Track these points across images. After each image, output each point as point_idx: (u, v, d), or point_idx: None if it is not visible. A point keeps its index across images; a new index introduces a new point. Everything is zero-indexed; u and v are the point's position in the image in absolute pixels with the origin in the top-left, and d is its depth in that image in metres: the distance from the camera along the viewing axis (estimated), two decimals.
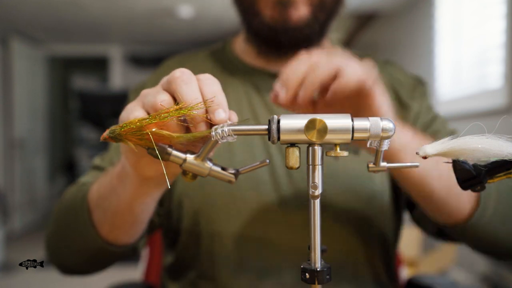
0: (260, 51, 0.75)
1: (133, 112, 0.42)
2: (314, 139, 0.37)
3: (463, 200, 0.58)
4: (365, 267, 0.70)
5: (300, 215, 0.67)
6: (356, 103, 0.55)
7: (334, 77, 0.52)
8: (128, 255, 0.67)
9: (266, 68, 0.75)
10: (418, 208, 0.70)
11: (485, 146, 0.35)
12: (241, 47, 0.79)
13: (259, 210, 0.67)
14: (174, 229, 0.74)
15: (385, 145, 0.38)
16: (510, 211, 0.62)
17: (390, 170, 0.59)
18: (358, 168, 0.68)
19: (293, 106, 0.53)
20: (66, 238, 0.64)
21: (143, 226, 0.61)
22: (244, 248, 0.67)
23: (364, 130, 0.37)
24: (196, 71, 0.77)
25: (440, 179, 0.56)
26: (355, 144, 0.62)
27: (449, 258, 2.50)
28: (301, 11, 0.68)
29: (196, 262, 0.71)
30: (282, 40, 0.70)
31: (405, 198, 0.74)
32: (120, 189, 0.53)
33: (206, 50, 0.84)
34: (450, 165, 0.50)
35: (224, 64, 0.78)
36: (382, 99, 0.55)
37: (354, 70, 0.52)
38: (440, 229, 0.68)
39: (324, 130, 0.36)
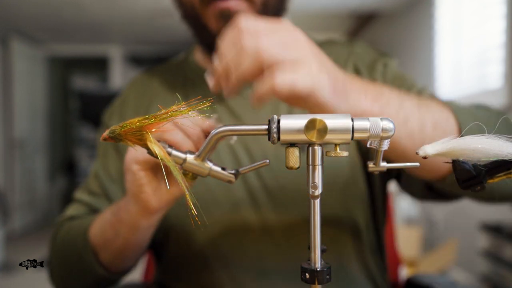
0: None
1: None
2: (314, 139, 0.37)
3: None
4: (344, 258, 0.69)
5: (275, 216, 0.67)
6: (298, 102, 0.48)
7: (261, 74, 0.45)
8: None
9: None
10: (403, 175, 0.68)
11: (485, 146, 0.35)
12: (201, 55, 0.79)
13: (235, 218, 0.68)
14: (160, 241, 0.75)
15: (385, 145, 0.38)
16: None
17: (360, 142, 0.54)
18: (329, 159, 0.67)
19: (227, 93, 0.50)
20: (71, 277, 0.67)
21: (145, 247, 0.66)
22: (223, 254, 0.68)
23: (364, 130, 0.37)
24: (162, 84, 0.80)
25: (411, 138, 0.51)
26: None
27: (449, 258, 2.50)
28: None
29: (181, 273, 0.72)
30: None
31: (381, 184, 0.73)
32: (125, 232, 0.56)
33: (173, 61, 0.86)
34: (421, 121, 0.50)
35: (187, 74, 0.79)
36: (329, 100, 0.46)
37: (286, 77, 0.43)
38: (430, 188, 0.64)
39: (324, 130, 0.36)
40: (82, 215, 0.72)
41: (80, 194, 0.75)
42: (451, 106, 0.56)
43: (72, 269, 0.66)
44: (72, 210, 0.74)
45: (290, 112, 0.70)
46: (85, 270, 0.63)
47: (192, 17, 0.71)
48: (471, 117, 0.55)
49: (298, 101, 0.46)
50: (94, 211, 0.72)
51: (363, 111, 0.48)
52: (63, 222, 0.72)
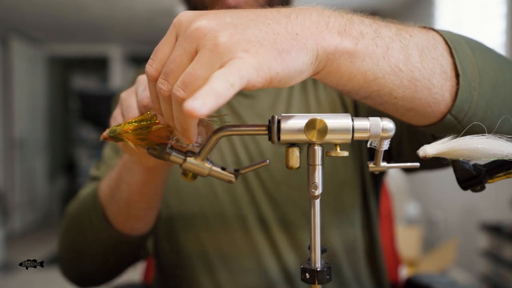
0: None
1: (116, 121, 0.47)
2: (314, 139, 0.37)
3: (436, 87, 0.42)
4: (338, 258, 0.69)
5: (273, 215, 0.67)
6: None
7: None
8: (142, 255, 0.70)
9: None
10: (393, 147, 0.64)
11: (485, 146, 0.35)
12: None
13: (234, 216, 0.68)
14: (159, 241, 0.75)
15: (385, 145, 0.38)
16: (498, 88, 0.45)
17: (329, 86, 0.41)
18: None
19: None
20: (82, 244, 0.65)
21: (156, 212, 0.63)
22: (219, 254, 0.68)
23: (364, 130, 0.37)
24: None
25: (396, 72, 0.40)
26: None
27: (449, 258, 2.50)
28: None
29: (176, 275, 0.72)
30: None
31: (372, 182, 0.72)
32: (129, 178, 0.56)
33: None
34: (404, 50, 0.40)
35: None
36: (282, 68, 0.34)
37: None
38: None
39: (324, 130, 0.36)
40: None
41: (96, 171, 0.75)
42: (436, 30, 0.45)
43: (84, 233, 0.64)
44: (87, 189, 0.72)
45: (288, 108, 0.70)
46: (95, 230, 0.62)
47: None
48: (464, 41, 0.45)
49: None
50: None
51: (334, 49, 0.36)
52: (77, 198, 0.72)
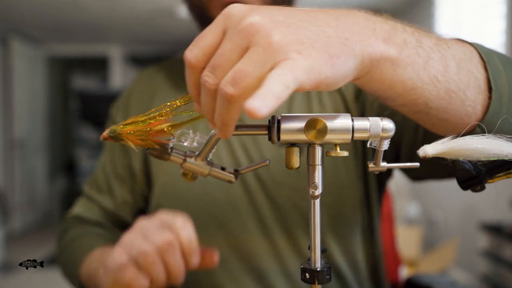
0: None
1: (124, 273, 0.48)
2: (314, 139, 0.37)
3: (469, 100, 0.42)
4: (339, 261, 0.69)
5: (272, 215, 0.67)
6: None
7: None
8: None
9: None
10: (402, 154, 0.63)
11: (485, 146, 0.35)
12: None
13: (233, 218, 0.68)
14: None
15: (385, 145, 0.38)
16: None
17: (366, 92, 0.42)
18: (324, 162, 0.66)
19: None
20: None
21: None
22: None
23: (364, 130, 0.37)
24: (165, 80, 0.79)
25: (434, 83, 0.40)
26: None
27: (449, 258, 2.50)
28: None
29: None
30: None
31: (376, 184, 0.71)
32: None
33: (179, 56, 0.84)
34: (443, 61, 0.40)
35: None
36: (330, 72, 0.34)
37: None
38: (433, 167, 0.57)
39: (324, 130, 0.36)
40: (89, 218, 0.77)
41: (88, 189, 0.80)
42: (470, 42, 0.46)
43: (67, 276, 0.71)
44: (81, 206, 0.78)
45: (289, 108, 0.70)
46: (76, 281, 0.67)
47: (198, 9, 0.71)
48: (494, 55, 0.45)
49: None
50: (101, 209, 0.77)
51: (380, 56, 0.36)
52: (72, 221, 0.76)
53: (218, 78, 0.33)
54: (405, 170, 0.68)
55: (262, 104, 0.28)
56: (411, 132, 0.59)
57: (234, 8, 0.34)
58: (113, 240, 0.72)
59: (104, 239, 0.70)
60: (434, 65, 0.39)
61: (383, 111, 0.52)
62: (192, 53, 0.35)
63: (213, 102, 0.34)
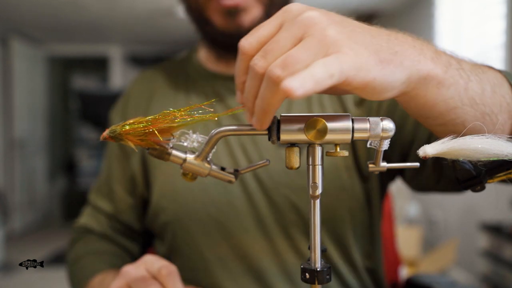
0: (219, 56, 0.75)
1: None
2: (314, 139, 0.37)
3: (500, 123, 0.45)
4: (339, 262, 0.69)
5: (271, 215, 0.67)
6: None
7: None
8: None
9: (227, 72, 0.75)
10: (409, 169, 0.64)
11: (485, 146, 0.35)
12: (204, 53, 0.79)
13: (232, 218, 0.68)
14: (158, 241, 0.77)
15: (385, 145, 0.38)
16: None
17: (407, 109, 0.43)
18: (325, 164, 0.66)
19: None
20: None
21: None
22: (220, 256, 0.68)
23: (364, 130, 0.37)
24: (164, 82, 0.79)
25: (472, 105, 0.41)
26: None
27: (449, 258, 2.50)
28: (253, 13, 0.67)
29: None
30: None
31: (378, 187, 0.71)
32: None
33: (177, 58, 0.85)
34: (480, 84, 0.42)
35: (189, 72, 0.79)
36: (376, 76, 0.35)
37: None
38: (439, 179, 0.60)
39: (324, 130, 0.36)
40: (95, 229, 0.78)
41: (94, 197, 0.81)
42: (498, 69, 0.47)
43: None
44: (87, 216, 0.80)
45: (289, 109, 0.70)
46: None
47: (195, 10, 0.71)
48: None
49: (338, 91, 0.40)
50: (105, 216, 0.79)
51: (427, 74, 0.37)
52: (80, 231, 0.79)
53: (268, 62, 0.33)
54: (408, 181, 0.69)
55: (299, 84, 0.28)
56: (423, 143, 0.60)
57: (294, 5, 0.36)
58: (116, 254, 0.75)
59: (109, 257, 0.73)
60: (473, 87, 0.41)
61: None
62: (247, 41, 0.36)
63: (257, 86, 0.34)
